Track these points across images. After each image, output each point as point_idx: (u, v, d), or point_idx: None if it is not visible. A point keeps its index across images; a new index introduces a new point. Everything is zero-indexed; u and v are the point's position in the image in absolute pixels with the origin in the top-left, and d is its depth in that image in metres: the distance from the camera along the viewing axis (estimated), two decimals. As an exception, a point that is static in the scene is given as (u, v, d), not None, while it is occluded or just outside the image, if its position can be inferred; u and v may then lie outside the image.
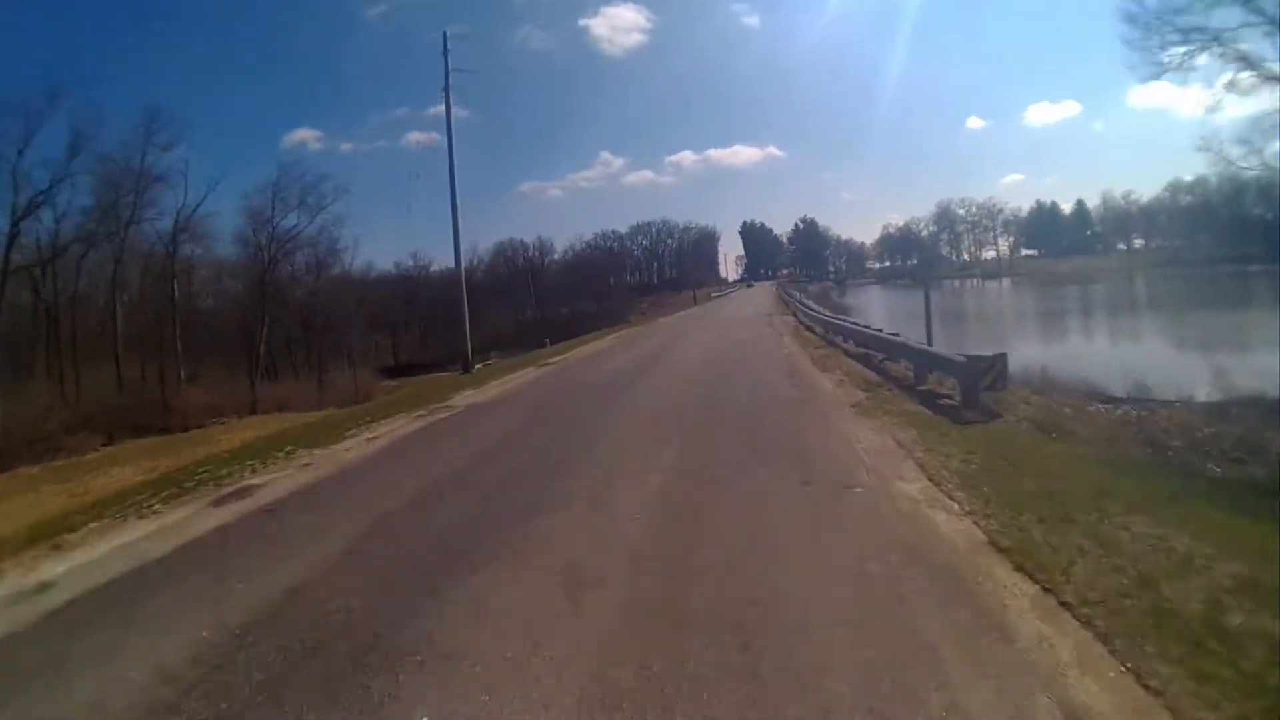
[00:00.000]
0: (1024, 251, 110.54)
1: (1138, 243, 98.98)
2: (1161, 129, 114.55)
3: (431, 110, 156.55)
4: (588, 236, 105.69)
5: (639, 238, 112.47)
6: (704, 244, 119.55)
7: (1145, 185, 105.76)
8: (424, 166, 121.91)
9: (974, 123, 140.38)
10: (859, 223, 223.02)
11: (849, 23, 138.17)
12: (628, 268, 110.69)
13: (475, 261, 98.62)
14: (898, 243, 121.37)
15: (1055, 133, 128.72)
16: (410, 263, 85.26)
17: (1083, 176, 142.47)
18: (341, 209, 44.22)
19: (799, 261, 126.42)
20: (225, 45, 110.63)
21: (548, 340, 32.40)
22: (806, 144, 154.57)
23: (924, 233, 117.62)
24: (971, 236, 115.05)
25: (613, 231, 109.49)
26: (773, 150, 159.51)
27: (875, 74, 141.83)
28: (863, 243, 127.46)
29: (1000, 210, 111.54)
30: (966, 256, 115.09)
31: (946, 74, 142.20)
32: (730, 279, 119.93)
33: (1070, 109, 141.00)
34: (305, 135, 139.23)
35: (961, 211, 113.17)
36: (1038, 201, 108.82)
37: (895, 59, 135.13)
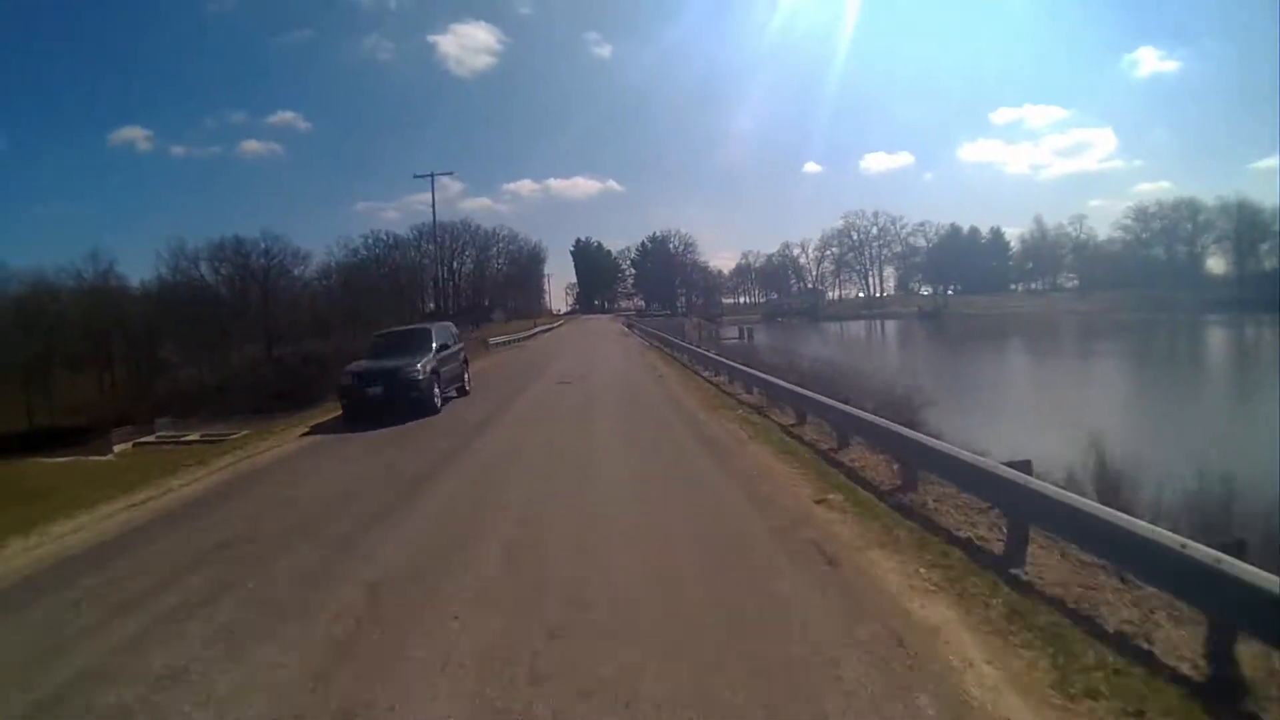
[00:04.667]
0: (922, 288, 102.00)
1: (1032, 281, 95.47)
2: (989, 181, 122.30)
3: (272, 117, 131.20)
4: (354, 242, 71.84)
5: (427, 244, 70.47)
6: (525, 265, 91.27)
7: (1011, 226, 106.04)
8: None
9: (811, 167, 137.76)
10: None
11: (695, 63, 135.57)
12: (417, 288, 74.17)
13: (179, 269, 58.36)
14: (762, 273, 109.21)
15: (888, 180, 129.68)
16: (90, 271, 52.31)
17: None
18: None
19: (645, 290, 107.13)
20: (48, 23, 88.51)
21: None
22: (646, 179, 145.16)
23: (803, 259, 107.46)
24: (876, 264, 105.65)
25: (388, 235, 74.77)
26: (613, 184, 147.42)
27: (717, 115, 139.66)
28: (720, 270, 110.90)
29: (919, 227, 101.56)
30: (875, 290, 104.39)
31: (786, 119, 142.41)
32: (562, 311, 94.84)
33: (904, 159, 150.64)
34: (134, 133, 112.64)
35: (872, 230, 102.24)
36: (952, 225, 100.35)
37: (737, 102, 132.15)
